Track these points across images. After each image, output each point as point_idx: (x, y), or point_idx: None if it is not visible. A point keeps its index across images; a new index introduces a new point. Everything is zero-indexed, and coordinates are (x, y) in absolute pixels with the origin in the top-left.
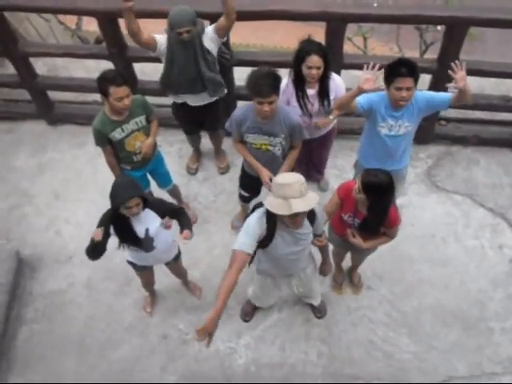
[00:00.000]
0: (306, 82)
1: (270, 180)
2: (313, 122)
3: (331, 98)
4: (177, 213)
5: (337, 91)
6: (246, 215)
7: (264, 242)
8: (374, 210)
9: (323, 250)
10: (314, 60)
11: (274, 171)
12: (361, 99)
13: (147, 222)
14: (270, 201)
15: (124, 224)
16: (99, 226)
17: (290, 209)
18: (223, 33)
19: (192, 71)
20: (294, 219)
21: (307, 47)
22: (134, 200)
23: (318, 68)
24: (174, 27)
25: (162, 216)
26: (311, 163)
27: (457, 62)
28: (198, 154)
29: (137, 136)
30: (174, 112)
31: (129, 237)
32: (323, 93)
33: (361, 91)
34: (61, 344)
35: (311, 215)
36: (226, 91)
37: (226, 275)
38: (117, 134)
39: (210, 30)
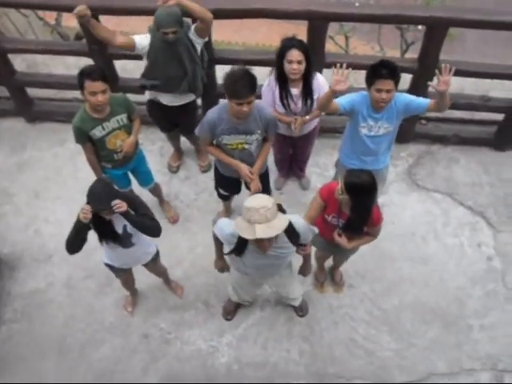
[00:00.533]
0: (290, 81)
1: (251, 173)
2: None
3: (315, 97)
4: (144, 209)
5: (320, 91)
6: (228, 214)
7: (235, 252)
8: (357, 210)
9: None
10: (295, 54)
11: (250, 166)
12: (342, 100)
13: (125, 220)
14: (238, 221)
15: (102, 220)
16: (77, 220)
17: (254, 234)
18: (204, 34)
19: (176, 70)
20: (260, 243)
21: (288, 43)
22: (106, 211)
23: (299, 62)
24: (160, 27)
25: (135, 210)
26: (293, 161)
27: (447, 65)
28: (179, 153)
29: (118, 134)
30: (149, 109)
31: (107, 232)
32: (307, 92)
33: (334, 92)
34: (41, 344)
35: (292, 233)
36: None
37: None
38: (97, 132)
39: (192, 30)
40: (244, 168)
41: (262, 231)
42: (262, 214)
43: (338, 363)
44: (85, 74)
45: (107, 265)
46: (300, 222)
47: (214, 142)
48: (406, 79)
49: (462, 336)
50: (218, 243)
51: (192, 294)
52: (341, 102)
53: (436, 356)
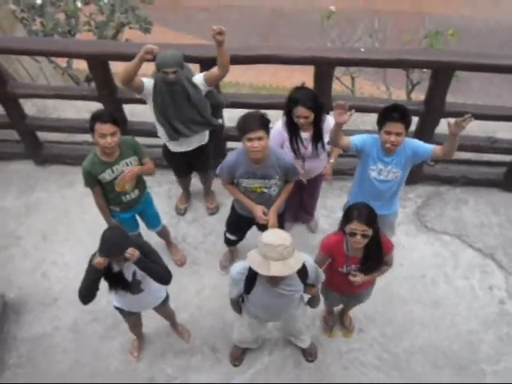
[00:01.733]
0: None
1: (264, 214)
2: (306, 166)
3: (326, 140)
4: (154, 256)
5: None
6: (233, 255)
7: (244, 289)
8: (372, 242)
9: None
10: (300, 111)
11: (268, 209)
12: (355, 139)
13: (134, 266)
14: (252, 255)
15: (112, 268)
16: (89, 270)
17: (268, 271)
18: (214, 82)
19: (181, 112)
20: (272, 279)
21: (294, 97)
22: (118, 257)
23: (306, 117)
24: (160, 67)
25: (145, 255)
26: (301, 206)
27: (469, 115)
28: (187, 195)
29: (126, 179)
30: (165, 155)
31: (117, 280)
32: (317, 136)
33: (339, 125)
34: None
35: (302, 273)
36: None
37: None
38: (107, 176)
39: (200, 78)
40: (258, 208)
41: (276, 269)
42: (279, 251)
43: None
44: (95, 117)
45: (117, 308)
46: (310, 262)
47: (235, 181)
48: (412, 121)
49: (475, 382)
50: (235, 305)
51: (199, 339)
52: (352, 139)
53: None
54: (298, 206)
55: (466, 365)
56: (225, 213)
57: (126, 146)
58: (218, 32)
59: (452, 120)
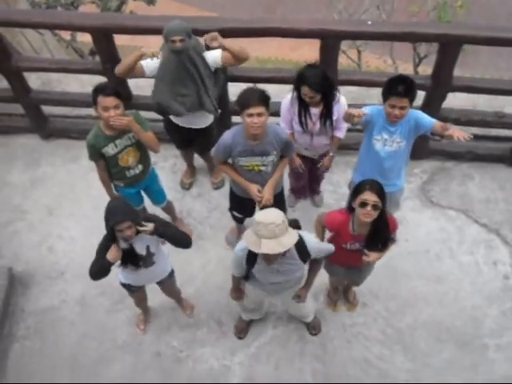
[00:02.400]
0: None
1: (259, 192)
2: (314, 142)
3: (334, 118)
4: (167, 226)
5: (340, 112)
6: (240, 232)
7: (247, 265)
8: (379, 220)
9: (312, 273)
10: (306, 90)
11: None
12: (369, 107)
13: (147, 240)
14: (247, 233)
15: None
16: (100, 250)
17: (259, 248)
18: (228, 65)
19: (184, 84)
20: (266, 256)
21: (302, 76)
22: (125, 223)
23: (311, 98)
24: (168, 35)
25: (162, 234)
26: (308, 183)
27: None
28: (192, 169)
29: (130, 151)
30: (166, 126)
31: (130, 257)
32: (326, 114)
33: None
34: (53, 362)
35: (302, 251)
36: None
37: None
38: (110, 150)
39: (216, 54)
40: (253, 187)
41: (267, 247)
42: (270, 229)
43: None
44: (98, 90)
45: (123, 284)
46: (312, 241)
47: (230, 161)
48: (419, 96)
49: (478, 356)
50: (236, 280)
51: (204, 312)
52: (370, 109)
53: (451, 377)
54: (307, 184)
55: (469, 340)
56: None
57: None
58: (210, 39)
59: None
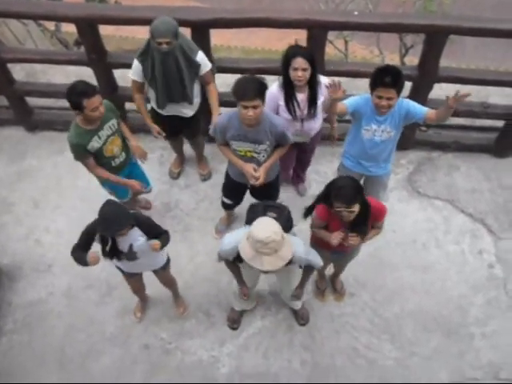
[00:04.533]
0: (296, 87)
1: (255, 170)
2: (305, 127)
3: (321, 100)
4: (160, 235)
5: (326, 94)
6: (229, 220)
7: (236, 261)
8: (361, 210)
9: (304, 276)
10: (299, 61)
11: None
12: (349, 102)
13: (132, 239)
14: (243, 247)
15: (107, 240)
16: (82, 235)
17: (262, 265)
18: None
19: (174, 80)
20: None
21: (293, 50)
22: (120, 231)
23: (304, 70)
24: (154, 36)
25: (147, 234)
26: (295, 168)
27: (466, 93)
28: (181, 159)
29: (113, 140)
30: (153, 117)
31: (112, 252)
32: (312, 98)
33: (334, 100)
34: (41, 355)
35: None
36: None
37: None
38: (95, 144)
39: (205, 66)
40: (248, 167)
41: (269, 264)
42: (271, 246)
43: (339, 373)
44: (80, 93)
45: (117, 267)
46: (300, 250)
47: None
48: (406, 86)
49: (464, 345)
50: (233, 268)
51: (193, 304)
52: (347, 102)
53: (438, 365)
54: (294, 166)
55: (455, 328)
56: (217, 179)
57: (105, 110)
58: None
59: (451, 92)
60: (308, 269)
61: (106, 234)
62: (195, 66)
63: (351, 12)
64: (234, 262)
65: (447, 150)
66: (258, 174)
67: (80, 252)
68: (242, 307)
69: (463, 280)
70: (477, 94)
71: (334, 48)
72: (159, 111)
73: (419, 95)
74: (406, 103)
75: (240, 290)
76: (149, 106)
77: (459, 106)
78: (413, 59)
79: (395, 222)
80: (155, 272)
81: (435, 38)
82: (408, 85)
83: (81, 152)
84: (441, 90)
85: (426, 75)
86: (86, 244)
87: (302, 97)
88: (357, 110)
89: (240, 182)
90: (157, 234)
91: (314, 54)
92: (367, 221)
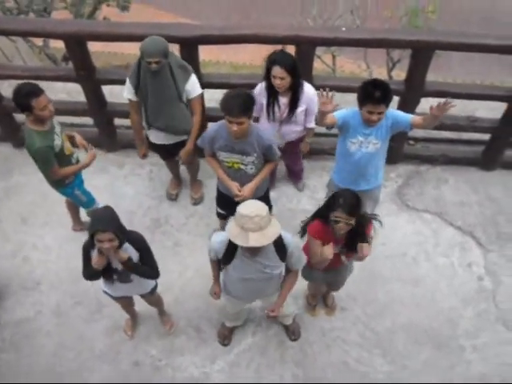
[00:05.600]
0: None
1: (239, 191)
2: (282, 130)
3: (302, 109)
4: (147, 254)
5: (309, 103)
6: (224, 228)
7: (223, 260)
8: (357, 224)
9: (286, 286)
10: (277, 70)
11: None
12: (338, 114)
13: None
14: (230, 226)
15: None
16: (84, 256)
17: (247, 241)
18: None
19: (167, 99)
20: (250, 249)
21: (273, 58)
22: (107, 234)
23: (282, 78)
24: (144, 56)
25: (138, 250)
26: (288, 171)
27: (452, 102)
28: (177, 180)
29: (65, 137)
30: (147, 141)
31: (104, 270)
32: (293, 102)
33: (323, 113)
34: (30, 374)
35: (281, 249)
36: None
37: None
38: (58, 142)
39: (196, 91)
40: (233, 185)
41: (254, 240)
42: (256, 222)
43: None
44: (27, 94)
45: (105, 292)
46: (289, 238)
47: (216, 156)
48: (393, 100)
49: (455, 357)
50: (215, 265)
51: (183, 320)
52: (336, 115)
53: (429, 378)
54: (287, 166)
55: (445, 341)
56: (207, 193)
57: None
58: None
59: (435, 103)
60: (289, 278)
61: (90, 230)
62: (179, 90)
63: (339, 28)
64: (221, 262)
65: (435, 164)
66: (241, 194)
67: (86, 269)
68: (232, 324)
69: (453, 293)
70: (463, 108)
71: (321, 63)
72: (151, 138)
73: (406, 109)
74: (390, 113)
75: (212, 289)
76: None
77: (446, 119)
78: (400, 73)
79: (385, 236)
80: (142, 296)
81: (421, 53)
82: (395, 99)
83: (51, 155)
84: (427, 104)
85: (413, 90)
86: (87, 260)
87: (284, 100)
88: (345, 122)
89: (230, 196)
90: (148, 260)
91: (294, 62)
92: (364, 236)
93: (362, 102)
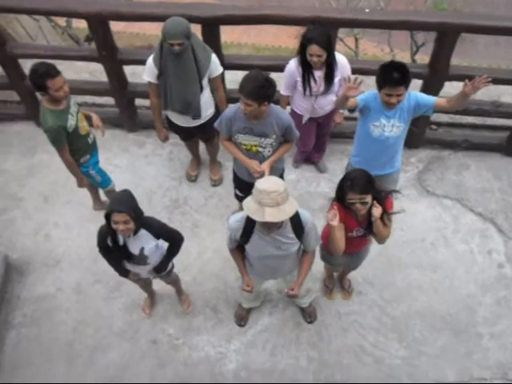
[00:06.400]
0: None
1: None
2: (317, 104)
3: (337, 79)
4: (172, 239)
5: (342, 72)
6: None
7: (242, 238)
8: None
9: (304, 266)
10: (314, 49)
11: None
12: (358, 97)
13: (143, 242)
14: (247, 202)
15: (118, 240)
16: (99, 239)
17: (263, 217)
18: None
19: (187, 83)
20: (267, 225)
21: (310, 36)
22: (121, 215)
23: (319, 56)
24: (166, 38)
25: (157, 237)
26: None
27: (487, 77)
28: (197, 161)
29: (81, 117)
30: (167, 123)
31: (122, 253)
32: (329, 74)
33: (347, 98)
34: (49, 349)
35: (298, 227)
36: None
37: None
38: (71, 121)
39: (213, 64)
40: (252, 163)
41: (271, 215)
42: (273, 197)
43: (346, 371)
44: (42, 75)
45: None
46: (307, 215)
47: (232, 139)
48: (416, 84)
49: (472, 344)
50: (237, 255)
51: (200, 300)
52: (357, 97)
53: (446, 364)
54: (313, 146)
55: (463, 328)
56: (226, 175)
57: None
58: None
59: (459, 87)
60: (306, 257)
61: (108, 210)
62: (202, 72)
63: (362, 9)
64: (240, 245)
65: (457, 149)
66: (261, 169)
67: (108, 254)
68: (250, 305)
69: (472, 279)
70: (488, 92)
71: (344, 45)
72: (172, 118)
73: (430, 93)
74: (413, 95)
75: (244, 282)
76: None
77: (470, 104)
78: (424, 57)
79: (404, 221)
80: (160, 278)
81: (446, 36)
82: (418, 83)
83: (62, 135)
84: (452, 88)
85: (437, 73)
86: (103, 243)
87: (319, 74)
88: (366, 105)
89: (246, 180)
90: (168, 236)
91: (330, 37)
92: (385, 212)
93: (380, 84)
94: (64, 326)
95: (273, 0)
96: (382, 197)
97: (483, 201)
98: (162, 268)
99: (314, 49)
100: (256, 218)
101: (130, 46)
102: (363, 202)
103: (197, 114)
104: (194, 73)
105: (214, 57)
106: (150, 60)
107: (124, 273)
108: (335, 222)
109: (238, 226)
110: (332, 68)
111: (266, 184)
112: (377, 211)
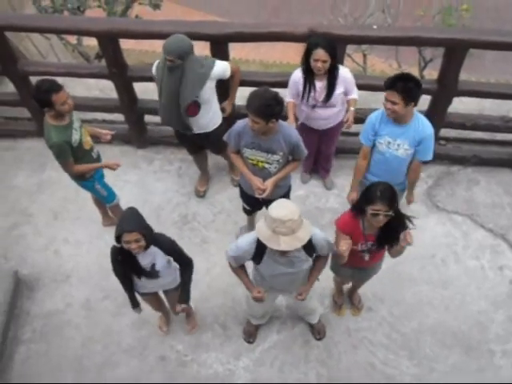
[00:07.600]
0: (315, 75)
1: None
2: (314, 114)
3: (340, 91)
4: (181, 260)
5: (346, 85)
6: (251, 227)
7: (254, 259)
8: (393, 219)
9: (315, 270)
10: (320, 53)
11: None
12: (364, 137)
13: (155, 258)
14: (260, 228)
15: (129, 257)
16: (112, 257)
17: (279, 245)
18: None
19: (169, 97)
20: (281, 251)
21: (314, 41)
22: (132, 235)
23: (324, 61)
24: (163, 51)
25: (168, 253)
26: (318, 159)
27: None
28: (206, 177)
29: (84, 132)
30: (175, 134)
31: (133, 269)
32: (330, 86)
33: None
34: (58, 365)
35: (310, 249)
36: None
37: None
38: (76, 136)
39: (226, 68)
40: (256, 181)
41: (286, 243)
42: (288, 226)
43: None
44: (47, 90)
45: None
46: (318, 235)
47: (241, 152)
48: (425, 100)
49: (484, 361)
50: (240, 272)
51: (209, 316)
52: (364, 140)
53: (457, 382)
54: (316, 159)
55: (475, 345)
56: (234, 192)
57: None
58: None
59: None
60: (318, 263)
61: (118, 232)
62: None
63: (370, 26)
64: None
65: (467, 165)
66: (263, 187)
67: (122, 277)
68: (258, 321)
69: (483, 296)
70: (497, 108)
71: (352, 61)
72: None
73: (438, 109)
74: (426, 134)
75: (252, 293)
76: None
77: (479, 119)
78: (432, 72)
79: (414, 237)
80: (165, 292)
81: (454, 51)
82: (427, 98)
83: (67, 150)
84: (461, 104)
85: (446, 89)
86: (116, 263)
87: (320, 85)
88: (374, 130)
89: (249, 195)
90: (178, 256)
91: (335, 44)
92: (397, 233)
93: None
94: (73, 342)
95: (281, 17)
96: (401, 215)
97: (494, 216)
98: (186, 299)
99: (319, 53)
100: (271, 246)
101: (140, 63)
102: (387, 214)
103: (179, 129)
104: (176, 94)
105: (217, 63)
106: (155, 63)
107: (135, 303)
108: (346, 253)
109: (249, 249)
110: (334, 79)
111: (281, 212)
112: (411, 239)
